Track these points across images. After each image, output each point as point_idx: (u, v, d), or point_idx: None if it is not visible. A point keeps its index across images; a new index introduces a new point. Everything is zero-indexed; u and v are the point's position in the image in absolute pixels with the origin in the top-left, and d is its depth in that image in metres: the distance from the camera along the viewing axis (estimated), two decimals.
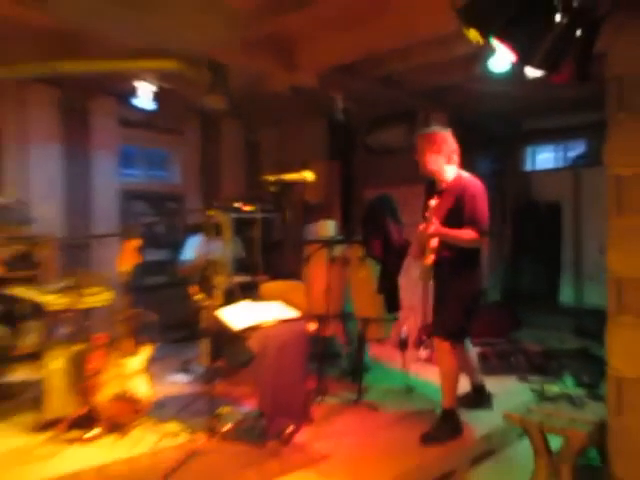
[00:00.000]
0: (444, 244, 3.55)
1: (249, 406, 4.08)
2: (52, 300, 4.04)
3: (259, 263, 4.07)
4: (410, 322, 5.94)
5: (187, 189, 7.46)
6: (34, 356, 4.67)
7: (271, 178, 3.87)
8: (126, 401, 3.58)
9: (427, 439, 3.49)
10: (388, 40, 4.25)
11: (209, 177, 7.60)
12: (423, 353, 5.60)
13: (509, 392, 4.43)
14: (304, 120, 7.47)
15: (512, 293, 7.20)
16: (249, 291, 4.53)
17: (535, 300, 7.06)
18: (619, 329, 2.72)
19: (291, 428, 3.52)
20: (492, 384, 4.27)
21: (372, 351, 5.36)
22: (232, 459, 3.22)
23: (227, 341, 4.86)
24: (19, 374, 4.70)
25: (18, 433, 3.61)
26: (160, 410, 3.98)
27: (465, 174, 3.68)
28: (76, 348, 3.83)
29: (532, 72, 2.49)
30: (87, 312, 4.78)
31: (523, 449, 3.34)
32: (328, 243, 4.60)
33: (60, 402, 3.69)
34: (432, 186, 3.74)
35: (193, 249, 5.38)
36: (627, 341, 2.68)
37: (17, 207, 5.67)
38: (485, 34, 2.37)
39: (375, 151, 7.19)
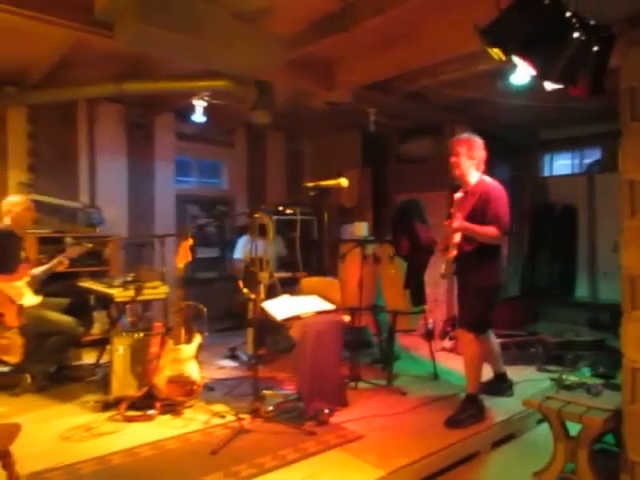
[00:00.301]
0: (465, 239, 3.49)
1: (289, 389, 4.08)
2: (117, 292, 4.12)
3: (299, 260, 4.05)
4: (436, 314, 5.89)
5: (235, 194, 7.52)
6: (101, 342, 4.77)
7: (310, 184, 3.87)
8: (180, 384, 3.61)
9: (451, 423, 3.44)
10: (417, 59, 4.23)
11: (255, 183, 7.65)
12: (448, 343, 5.53)
13: (528, 381, 4.33)
14: (340, 132, 7.46)
15: (530, 288, 7.05)
16: (290, 286, 4.53)
17: (552, 295, 6.91)
18: (633, 323, 2.64)
19: (327, 410, 3.51)
20: (512, 373, 4.18)
21: (401, 341, 5.32)
22: (273, 438, 3.21)
23: (270, 330, 4.87)
24: (87, 358, 4.80)
25: (85, 411, 3.67)
26: (209, 392, 4.02)
27: (488, 178, 3.63)
28: (137, 336, 3.88)
29: (550, 85, 2.43)
30: (147, 303, 4.88)
31: (542, 434, 3.26)
32: (361, 242, 4.57)
33: (122, 384, 3.75)
34: (458, 190, 3.69)
35: (243, 248, 5.42)
36: None
37: (88, 210, 5.81)
38: (507, 52, 2.32)
39: (405, 160, 7.13)
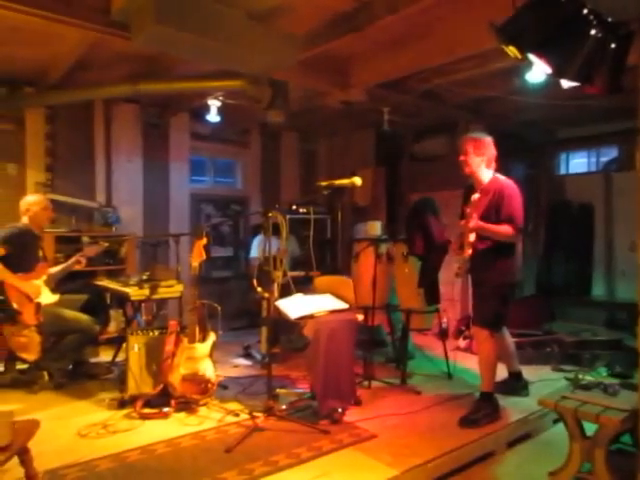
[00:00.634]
0: (480, 238, 3.48)
1: (303, 388, 4.09)
2: (133, 291, 4.15)
3: (312, 259, 4.05)
4: (450, 313, 5.86)
5: (250, 193, 7.54)
6: (117, 340, 4.82)
7: (324, 183, 3.86)
8: (195, 382, 3.63)
9: (466, 422, 3.42)
10: (432, 58, 4.21)
11: (269, 182, 7.67)
12: (462, 342, 5.50)
13: (544, 380, 4.30)
14: (354, 131, 7.45)
15: (546, 287, 6.98)
16: (303, 285, 4.53)
17: (568, 294, 6.83)
18: None
19: (340, 409, 3.51)
20: (527, 373, 4.15)
21: (415, 340, 5.30)
22: (286, 436, 3.22)
23: (284, 329, 4.89)
24: (104, 356, 4.85)
25: (101, 408, 3.71)
26: (224, 391, 4.04)
27: (501, 177, 3.61)
28: (152, 334, 3.91)
29: (567, 83, 2.41)
30: (162, 302, 4.91)
31: (558, 434, 3.24)
32: (375, 241, 4.56)
33: (138, 382, 3.78)
34: (470, 189, 3.67)
35: (258, 247, 5.44)
36: None
37: (105, 210, 5.86)
38: (523, 50, 2.30)
39: (419, 159, 7.10)
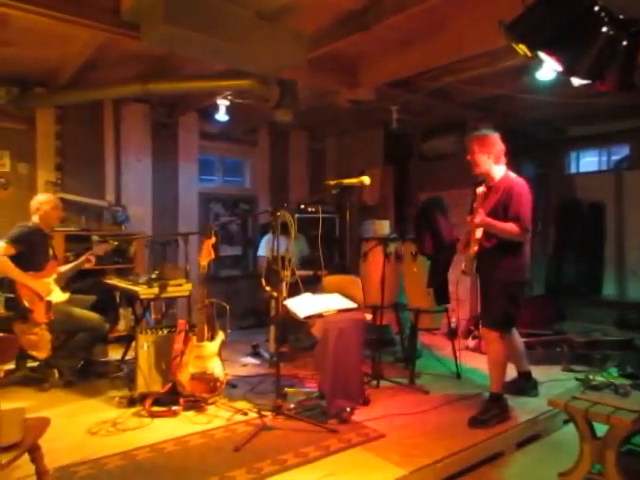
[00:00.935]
0: (487, 236, 3.47)
1: (311, 387, 4.09)
2: (142, 290, 4.16)
3: (321, 259, 4.05)
4: (459, 313, 5.83)
5: (258, 192, 7.55)
6: (126, 339, 4.84)
7: (332, 182, 3.85)
8: (204, 380, 3.64)
9: (475, 422, 3.40)
10: (441, 57, 4.20)
11: (277, 181, 7.68)
12: (471, 342, 5.48)
13: (554, 381, 4.27)
14: (363, 130, 7.44)
15: (556, 287, 6.94)
16: (312, 284, 4.53)
17: (579, 294, 6.78)
18: None
19: (349, 408, 3.50)
20: (537, 373, 4.13)
21: (424, 340, 5.29)
22: (295, 435, 3.22)
23: (292, 328, 4.89)
24: (113, 354, 4.87)
25: (111, 406, 3.73)
26: (232, 390, 4.05)
27: (512, 174, 3.59)
28: (161, 333, 3.93)
29: (578, 81, 2.39)
30: (171, 301, 4.93)
31: (568, 434, 3.22)
32: (384, 240, 4.55)
33: (147, 380, 3.79)
34: (481, 184, 3.65)
35: (266, 246, 5.45)
36: None
37: (114, 209, 5.89)
38: (533, 48, 2.28)
39: (428, 158, 7.08)
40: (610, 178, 6.77)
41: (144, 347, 3.84)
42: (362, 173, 4.43)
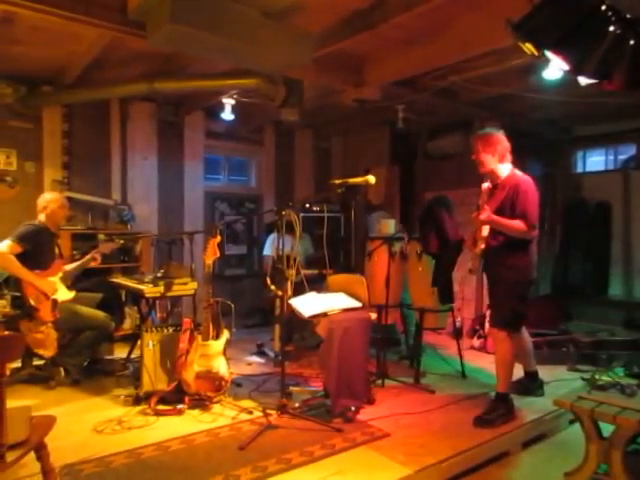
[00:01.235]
0: (493, 233, 3.45)
1: (316, 386, 4.09)
2: (148, 288, 4.17)
3: (326, 258, 4.05)
4: (464, 312, 5.83)
5: (264, 191, 7.56)
6: (132, 337, 4.85)
7: (338, 181, 3.85)
8: (209, 379, 3.65)
9: (480, 422, 3.39)
10: (447, 56, 4.19)
11: (283, 181, 7.69)
12: (476, 342, 5.47)
13: (560, 380, 4.27)
14: (368, 129, 7.43)
15: (563, 286, 6.90)
16: (317, 283, 4.53)
17: (585, 293, 6.75)
18: None
19: (354, 407, 3.50)
20: (543, 373, 4.11)
21: (429, 339, 5.28)
22: (300, 434, 3.22)
23: (297, 327, 4.89)
24: (119, 353, 4.89)
25: (117, 405, 3.74)
26: (237, 388, 4.05)
27: (519, 172, 3.58)
28: (167, 331, 3.94)
29: (585, 80, 2.38)
30: (176, 299, 4.94)
31: (574, 434, 3.21)
32: (389, 240, 4.54)
33: (152, 378, 3.80)
34: (488, 180, 3.65)
35: (272, 246, 5.46)
36: None
37: (120, 208, 5.91)
38: (540, 47, 2.28)
39: (434, 157, 7.07)
40: (617, 178, 6.74)
41: (149, 346, 3.85)
42: (368, 172, 4.43)
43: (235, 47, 3.58)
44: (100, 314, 4.23)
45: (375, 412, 3.59)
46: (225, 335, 3.79)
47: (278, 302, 3.99)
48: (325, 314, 3.62)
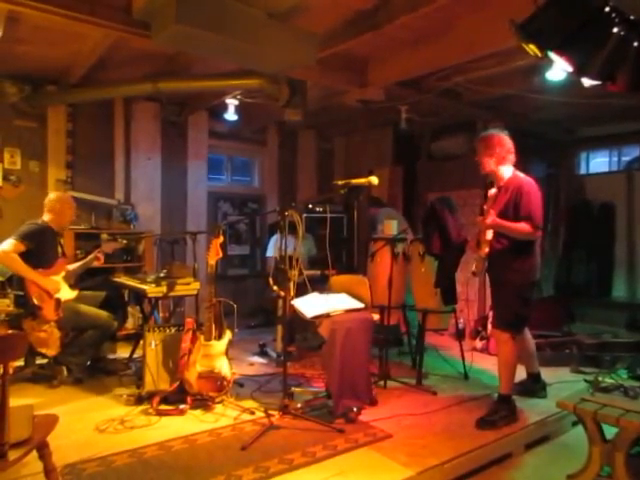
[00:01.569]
0: (497, 236, 3.45)
1: (318, 387, 4.09)
2: (150, 288, 4.18)
3: (329, 258, 4.05)
4: (467, 314, 5.82)
5: (266, 192, 7.57)
6: (134, 337, 4.86)
7: (341, 182, 3.85)
8: (211, 379, 3.65)
9: (483, 423, 3.38)
10: (451, 57, 4.19)
11: (286, 181, 7.70)
12: (479, 343, 5.46)
13: (563, 382, 4.25)
14: (372, 130, 7.39)
15: (566, 288, 6.90)
16: (320, 284, 4.53)
17: (588, 295, 6.74)
18: None
19: (356, 408, 3.50)
20: (546, 375, 4.10)
21: (432, 340, 5.27)
22: (302, 434, 3.22)
23: (299, 327, 4.89)
24: (121, 352, 4.90)
25: (119, 404, 3.74)
26: (239, 388, 4.04)
27: (520, 174, 3.58)
28: (169, 331, 3.94)
29: (588, 82, 2.37)
30: (179, 299, 4.95)
31: (577, 436, 3.20)
32: (391, 241, 4.54)
33: (155, 378, 3.80)
34: (491, 186, 3.66)
35: (274, 247, 5.46)
36: None
37: (123, 207, 5.92)
38: (544, 48, 2.27)
39: (437, 158, 7.06)
40: (621, 179, 6.73)
41: (152, 345, 3.86)
42: (371, 173, 4.41)
43: (239, 47, 3.59)
44: (103, 313, 4.23)
45: (377, 413, 3.59)
46: (227, 335, 3.79)
47: (281, 302, 3.99)
48: (327, 315, 3.62)
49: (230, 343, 3.81)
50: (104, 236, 5.45)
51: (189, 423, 3.42)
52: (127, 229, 5.81)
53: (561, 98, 5.02)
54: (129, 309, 5.35)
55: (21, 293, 3.97)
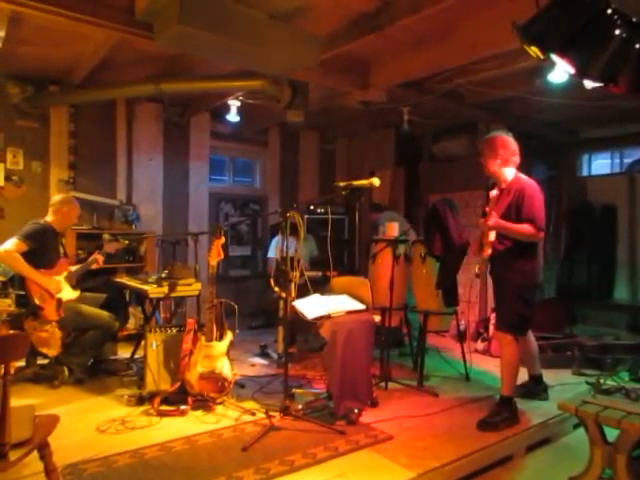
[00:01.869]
0: (499, 238, 3.45)
1: (319, 388, 4.09)
2: (152, 289, 4.18)
3: (330, 259, 4.05)
4: (468, 315, 5.81)
5: (268, 193, 7.57)
6: (136, 337, 4.86)
7: (342, 183, 3.85)
8: (212, 380, 3.65)
9: (484, 425, 3.38)
10: (453, 58, 4.19)
11: (288, 182, 7.70)
12: (480, 345, 5.46)
13: (564, 384, 4.25)
14: (373, 131, 7.44)
15: (568, 290, 6.89)
16: (321, 285, 4.53)
17: (590, 297, 6.73)
18: None
19: (357, 410, 3.49)
20: (548, 377, 4.10)
21: (433, 342, 5.27)
22: (303, 436, 3.22)
23: (300, 328, 4.89)
24: (123, 353, 4.90)
25: (120, 404, 3.74)
26: (240, 389, 4.05)
27: (523, 176, 3.58)
28: (170, 332, 3.94)
29: (590, 84, 2.37)
30: (180, 300, 4.95)
31: (579, 439, 3.19)
32: (393, 242, 4.54)
33: (156, 379, 3.80)
34: (493, 187, 3.65)
35: (276, 248, 5.46)
36: None
37: (125, 208, 5.93)
38: (546, 50, 2.27)
39: (439, 159, 7.06)
40: (623, 181, 6.72)
41: (153, 346, 3.86)
42: (372, 174, 4.43)
43: (241, 49, 3.59)
44: (104, 314, 4.24)
45: (378, 415, 3.59)
46: (229, 336, 3.79)
47: (282, 304, 3.99)
48: (329, 316, 3.62)
49: (231, 344, 3.81)
50: (106, 236, 5.44)
51: (190, 424, 3.42)
52: (129, 230, 5.82)
53: (563, 100, 5.02)
54: (130, 309, 5.35)
55: (22, 293, 3.97)
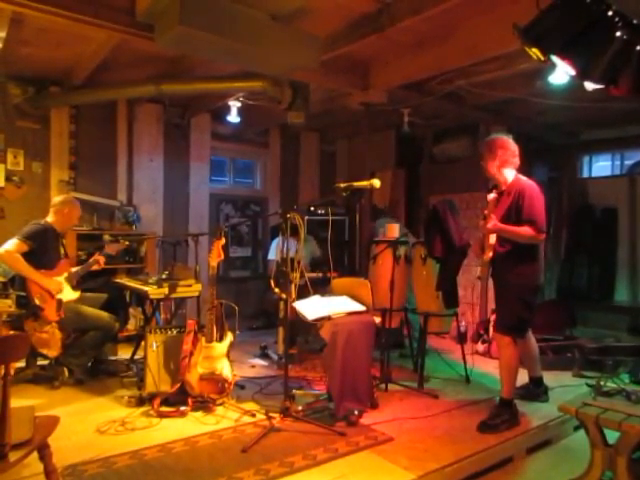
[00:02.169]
0: (500, 241, 3.45)
1: (319, 389, 4.09)
2: (152, 290, 4.18)
3: (330, 261, 4.05)
4: (469, 317, 5.81)
5: (269, 194, 7.57)
6: (136, 338, 4.86)
7: (343, 184, 3.85)
8: (212, 381, 3.65)
9: (484, 427, 3.38)
10: (454, 59, 4.18)
11: (288, 183, 7.70)
12: (480, 346, 5.45)
13: (565, 386, 4.24)
14: (374, 132, 7.40)
15: (568, 292, 6.88)
16: (321, 286, 4.53)
17: (590, 299, 6.73)
18: None
19: (357, 411, 3.49)
20: (548, 378, 4.09)
21: (433, 343, 5.26)
22: (303, 437, 3.21)
23: (301, 330, 4.89)
24: (123, 354, 4.90)
25: (120, 405, 3.74)
26: (240, 391, 4.05)
27: (523, 177, 3.58)
28: (171, 333, 3.94)
29: (591, 85, 2.38)
30: (180, 301, 4.95)
31: (579, 441, 3.19)
32: (393, 243, 4.54)
33: (156, 380, 3.80)
34: (494, 189, 3.65)
35: (276, 250, 5.46)
36: None
37: (126, 209, 5.93)
38: (546, 52, 2.27)
39: (439, 161, 7.06)
40: (623, 183, 6.72)
41: (153, 347, 3.86)
42: (373, 176, 4.42)
43: (242, 50, 3.59)
44: (104, 315, 4.24)
45: (378, 416, 3.58)
46: (229, 337, 3.79)
47: (282, 305, 3.99)
48: (329, 317, 3.62)
49: (231, 345, 3.81)
50: (106, 237, 5.46)
51: (190, 425, 3.41)
52: (129, 230, 5.82)
53: (564, 102, 5.02)
54: (131, 310, 5.35)
55: (23, 294, 3.97)
